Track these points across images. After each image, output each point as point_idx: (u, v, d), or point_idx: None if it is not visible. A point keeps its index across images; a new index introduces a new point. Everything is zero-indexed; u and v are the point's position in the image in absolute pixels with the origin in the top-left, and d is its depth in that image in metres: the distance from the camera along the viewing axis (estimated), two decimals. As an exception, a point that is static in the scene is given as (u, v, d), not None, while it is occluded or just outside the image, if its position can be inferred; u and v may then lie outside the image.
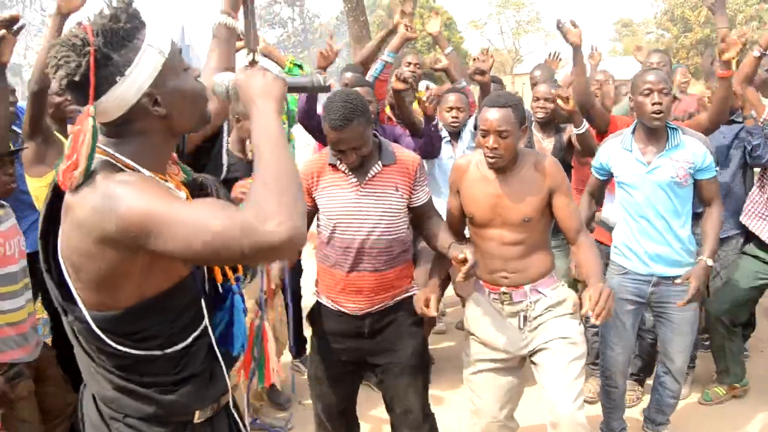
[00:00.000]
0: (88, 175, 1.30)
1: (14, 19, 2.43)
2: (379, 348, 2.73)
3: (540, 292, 2.75)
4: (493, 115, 2.59)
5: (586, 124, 3.76)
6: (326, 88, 1.62)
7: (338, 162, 2.60)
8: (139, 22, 1.34)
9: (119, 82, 1.31)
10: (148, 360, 1.41)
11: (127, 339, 1.38)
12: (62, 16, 2.80)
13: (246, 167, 3.41)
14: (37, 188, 3.19)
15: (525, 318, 2.76)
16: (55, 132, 3.35)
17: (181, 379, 1.46)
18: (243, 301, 1.63)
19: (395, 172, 2.64)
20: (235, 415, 1.66)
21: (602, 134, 3.83)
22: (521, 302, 2.75)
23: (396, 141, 3.99)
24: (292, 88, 1.58)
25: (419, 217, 2.76)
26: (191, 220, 1.20)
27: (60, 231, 1.37)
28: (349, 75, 4.12)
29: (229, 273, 1.58)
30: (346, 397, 2.84)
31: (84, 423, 1.55)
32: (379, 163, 2.62)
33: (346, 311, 2.70)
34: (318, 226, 2.74)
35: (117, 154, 1.36)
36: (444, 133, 4.17)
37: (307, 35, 26.75)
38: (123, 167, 1.35)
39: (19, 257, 2.78)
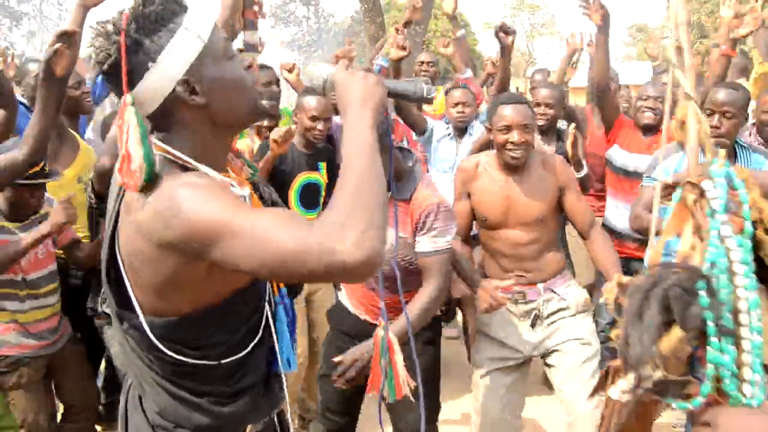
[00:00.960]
0: (150, 173, 1.21)
1: (71, 34, 2.42)
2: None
3: (554, 291, 2.77)
4: (516, 110, 2.64)
5: (585, 169, 3.63)
6: (429, 101, 1.54)
7: None
8: (178, 6, 1.26)
9: (150, 69, 1.22)
10: (205, 369, 1.37)
11: (184, 347, 1.34)
12: (85, 8, 2.78)
13: (304, 159, 3.44)
14: (54, 186, 3.16)
15: (537, 317, 2.76)
16: (69, 129, 3.37)
17: (238, 391, 1.42)
18: (291, 314, 1.56)
19: (401, 209, 2.42)
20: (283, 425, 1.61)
21: (608, 129, 3.81)
22: (534, 301, 2.76)
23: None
24: (394, 94, 1.50)
25: (422, 266, 2.48)
26: (260, 234, 1.10)
27: (120, 232, 1.31)
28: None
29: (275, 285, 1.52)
30: (352, 401, 2.79)
31: (127, 425, 1.50)
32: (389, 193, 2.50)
33: (367, 318, 2.67)
34: None
35: (172, 150, 1.28)
36: (449, 129, 4.19)
37: (321, 34, 26.79)
38: (183, 165, 1.28)
39: (40, 265, 2.90)
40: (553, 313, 2.77)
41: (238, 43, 2.44)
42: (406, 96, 1.55)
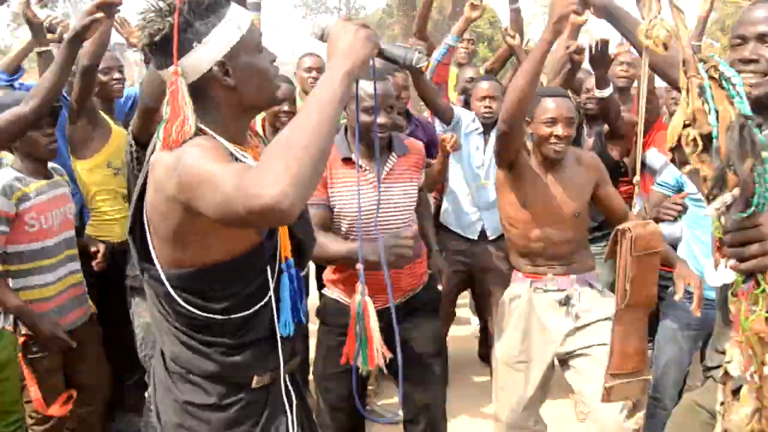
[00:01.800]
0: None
1: (114, 3, 2.47)
2: (392, 339, 2.62)
3: (588, 282, 2.74)
4: (559, 103, 2.66)
5: (611, 88, 3.52)
6: (417, 70, 1.61)
7: (352, 155, 2.47)
8: (224, 1, 1.42)
9: (195, 48, 1.38)
10: (214, 323, 1.49)
11: (196, 298, 1.46)
12: None
13: None
14: (84, 170, 3.21)
15: (569, 299, 2.71)
16: (102, 113, 3.38)
17: (242, 344, 1.53)
18: (297, 281, 1.63)
19: (410, 162, 2.61)
20: (293, 387, 1.68)
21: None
22: (565, 290, 2.71)
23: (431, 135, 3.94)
24: (383, 56, 1.54)
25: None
26: (217, 180, 1.22)
27: (147, 189, 1.45)
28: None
29: (285, 251, 1.60)
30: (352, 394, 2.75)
31: (154, 379, 1.66)
32: (393, 154, 2.57)
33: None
34: (331, 220, 2.58)
35: (197, 121, 1.42)
36: (476, 123, 3.84)
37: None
38: (203, 133, 1.43)
39: (60, 230, 2.75)
40: (587, 310, 2.70)
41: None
42: (395, 60, 1.59)
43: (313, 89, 1.31)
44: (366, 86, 2.39)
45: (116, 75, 3.56)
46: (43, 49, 3.21)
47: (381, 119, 2.39)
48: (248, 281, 1.52)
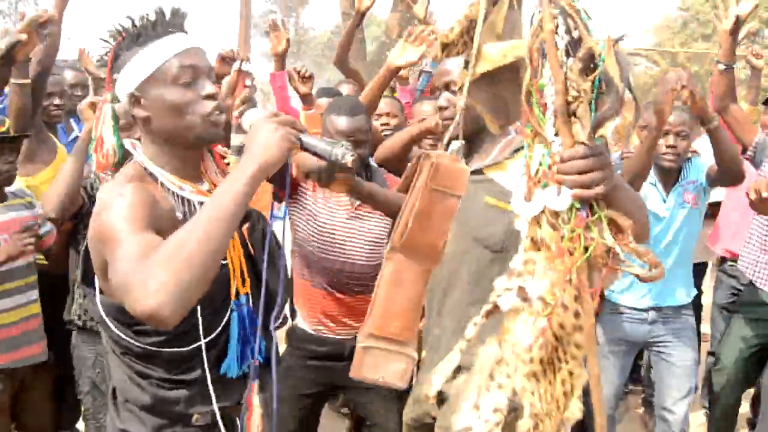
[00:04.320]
0: (120, 158, 1.50)
1: (44, 21, 2.50)
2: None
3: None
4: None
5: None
6: (343, 167, 1.45)
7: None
8: (162, 30, 1.45)
9: (116, 77, 1.47)
10: (147, 354, 1.47)
11: (128, 329, 1.44)
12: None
13: None
14: (31, 188, 3.11)
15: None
16: (47, 132, 3.36)
17: (179, 380, 1.50)
18: (248, 321, 1.57)
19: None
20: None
21: None
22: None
23: None
24: (307, 150, 1.44)
25: None
26: (118, 255, 1.24)
27: None
28: (324, 101, 3.63)
29: (239, 288, 1.56)
30: (308, 422, 2.69)
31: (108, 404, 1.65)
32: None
33: (327, 334, 2.58)
34: (294, 240, 2.57)
35: (141, 155, 1.49)
36: None
37: (300, 46, 27.00)
38: (145, 170, 1.48)
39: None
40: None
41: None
42: (321, 156, 1.46)
43: (218, 185, 1.31)
44: (335, 121, 2.40)
45: (56, 101, 3.53)
46: (21, 81, 2.95)
47: (360, 150, 2.34)
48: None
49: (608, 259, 1.19)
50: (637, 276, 1.23)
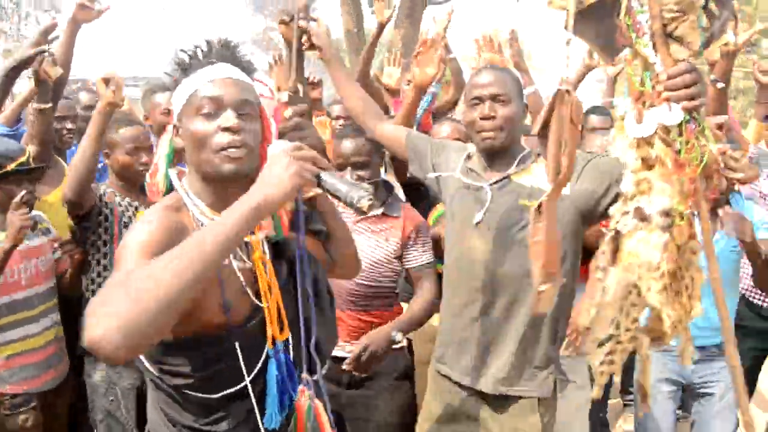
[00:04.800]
0: (167, 186, 1.50)
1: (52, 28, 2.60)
2: (355, 401, 2.51)
3: None
4: None
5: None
6: (358, 210, 1.36)
7: None
8: (206, 61, 1.42)
9: (171, 109, 1.46)
10: (177, 396, 1.39)
11: (160, 366, 1.37)
12: (77, 23, 3.04)
13: None
14: (41, 207, 3.01)
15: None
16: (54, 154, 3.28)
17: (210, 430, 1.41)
18: (288, 369, 1.46)
19: (393, 225, 2.52)
20: None
21: None
22: None
23: None
24: (324, 189, 1.37)
25: (412, 278, 2.58)
26: (110, 279, 1.19)
27: None
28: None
29: (276, 334, 1.44)
30: None
31: None
32: (382, 209, 2.52)
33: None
34: None
35: (179, 184, 1.44)
36: None
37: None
38: (187, 201, 1.42)
39: (29, 284, 2.60)
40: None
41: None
42: (336, 196, 1.40)
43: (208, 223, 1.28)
44: (336, 145, 2.48)
45: (68, 125, 3.50)
46: (42, 106, 2.90)
47: (362, 172, 2.44)
48: (208, 363, 1.37)
49: (718, 165, 1.30)
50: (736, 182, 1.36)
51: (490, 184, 2.13)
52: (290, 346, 1.46)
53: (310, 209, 1.60)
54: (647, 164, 1.27)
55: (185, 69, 1.42)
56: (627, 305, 1.27)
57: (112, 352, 1.04)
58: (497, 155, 2.14)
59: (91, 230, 2.65)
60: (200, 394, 1.37)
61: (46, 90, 2.82)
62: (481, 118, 2.11)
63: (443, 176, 2.31)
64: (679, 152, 1.24)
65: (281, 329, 1.44)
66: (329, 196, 1.44)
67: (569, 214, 2.01)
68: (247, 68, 1.48)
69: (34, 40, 2.57)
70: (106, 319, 1.05)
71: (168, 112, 3.31)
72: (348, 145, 2.47)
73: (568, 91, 1.45)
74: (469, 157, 2.25)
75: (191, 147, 1.38)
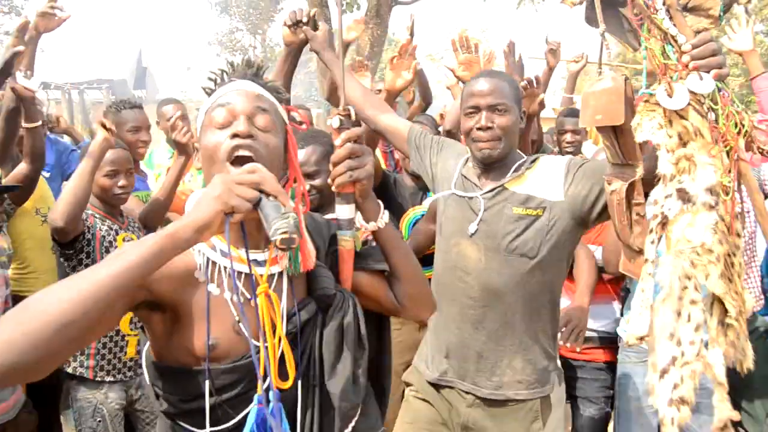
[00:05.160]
0: None
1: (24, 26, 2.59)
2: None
3: None
4: None
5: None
6: (273, 242, 1.16)
7: None
8: (228, 80, 1.41)
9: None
10: (174, 428, 1.35)
11: (155, 389, 1.35)
12: (38, 32, 3.07)
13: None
14: (12, 219, 3.07)
15: None
16: None
17: None
18: (273, 422, 1.28)
19: None
20: None
21: None
22: None
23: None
24: (259, 210, 1.20)
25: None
26: None
27: None
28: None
29: (276, 381, 1.29)
30: None
31: None
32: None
33: None
34: None
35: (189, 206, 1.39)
36: None
37: (268, 63, 26.97)
38: None
39: None
40: None
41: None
42: (266, 221, 1.20)
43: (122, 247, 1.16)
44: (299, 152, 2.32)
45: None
46: (32, 125, 2.88)
47: (314, 182, 2.26)
48: (187, 398, 1.31)
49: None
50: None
51: (484, 194, 2.12)
52: (299, 399, 1.33)
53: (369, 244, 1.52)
54: (683, 141, 1.20)
55: (209, 94, 1.41)
56: (686, 304, 1.16)
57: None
58: (493, 164, 2.14)
59: (74, 254, 2.57)
60: (189, 426, 1.32)
61: (33, 109, 2.83)
62: (478, 129, 2.10)
63: (438, 179, 2.32)
64: (716, 121, 1.18)
65: (284, 378, 1.29)
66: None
67: (564, 219, 2.02)
68: (272, 89, 1.42)
69: (9, 42, 2.63)
70: None
71: (135, 130, 3.38)
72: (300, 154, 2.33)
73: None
74: (466, 162, 2.25)
75: (205, 163, 1.34)
